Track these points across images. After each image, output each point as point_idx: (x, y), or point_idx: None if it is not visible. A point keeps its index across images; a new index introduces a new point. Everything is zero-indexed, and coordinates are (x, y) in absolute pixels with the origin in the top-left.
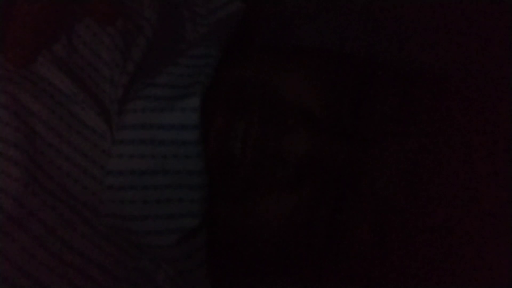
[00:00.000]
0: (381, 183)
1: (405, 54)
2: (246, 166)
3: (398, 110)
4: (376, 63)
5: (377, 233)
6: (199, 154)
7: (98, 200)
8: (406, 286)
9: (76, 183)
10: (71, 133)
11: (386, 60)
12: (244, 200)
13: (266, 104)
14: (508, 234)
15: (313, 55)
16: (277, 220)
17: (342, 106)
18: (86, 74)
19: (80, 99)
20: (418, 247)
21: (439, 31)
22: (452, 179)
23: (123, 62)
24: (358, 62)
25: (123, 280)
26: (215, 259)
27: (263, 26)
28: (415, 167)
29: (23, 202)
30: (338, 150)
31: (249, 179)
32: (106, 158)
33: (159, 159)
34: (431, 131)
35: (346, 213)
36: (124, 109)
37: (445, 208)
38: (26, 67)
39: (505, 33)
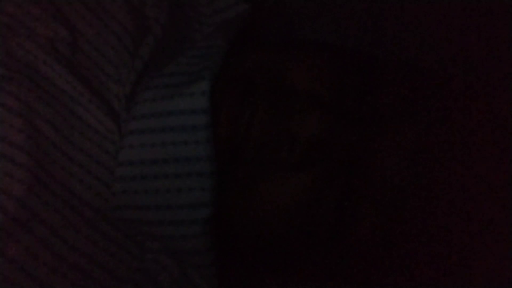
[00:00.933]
0: (387, 167)
1: (406, 54)
2: (251, 148)
3: (405, 95)
4: (381, 55)
5: (381, 231)
6: (208, 139)
7: (103, 200)
8: (407, 286)
9: (80, 184)
10: (74, 134)
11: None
12: (250, 184)
13: (272, 88)
14: (509, 234)
15: (319, 45)
16: (284, 202)
17: (350, 90)
18: (92, 73)
19: (87, 99)
20: (419, 246)
21: (439, 31)
22: (451, 179)
23: (131, 60)
24: (363, 54)
25: (126, 281)
26: (222, 254)
27: (264, 27)
28: (422, 152)
29: (27, 204)
30: (346, 132)
31: (255, 161)
32: (109, 159)
33: (169, 146)
34: (437, 118)
35: (353, 197)
36: (133, 102)
37: (444, 207)
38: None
39: (505, 33)
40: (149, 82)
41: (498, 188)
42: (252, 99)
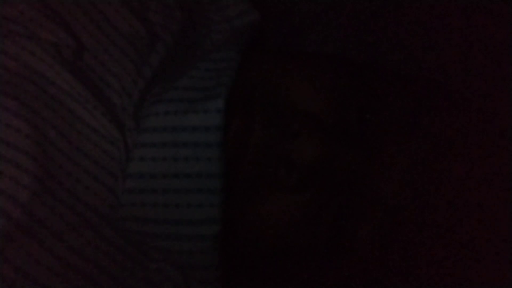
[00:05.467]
0: (385, 189)
1: (407, 57)
2: (247, 168)
3: (402, 114)
4: (381, 68)
5: (379, 237)
6: (220, 157)
7: (108, 207)
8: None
9: (86, 190)
10: (81, 139)
11: (388, 63)
12: (247, 203)
13: (271, 107)
14: (508, 235)
15: (320, 61)
16: (280, 222)
17: (348, 112)
18: (95, 82)
19: (92, 105)
20: (420, 251)
21: (440, 34)
22: (454, 183)
23: (136, 70)
24: (363, 68)
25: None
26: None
27: (269, 29)
28: (419, 174)
29: (31, 210)
30: (343, 155)
31: (250, 181)
32: (115, 165)
33: (181, 161)
34: (435, 134)
35: (349, 217)
36: (146, 113)
37: (448, 211)
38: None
39: (505, 34)
40: (162, 95)
41: (499, 203)
42: (250, 116)
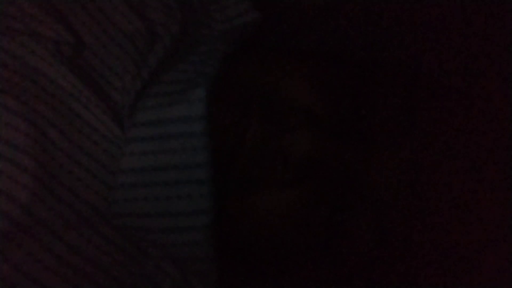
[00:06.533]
0: (382, 183)
1: (406, 55)
2: (243, 162)
3: (399, 111)
4: (377, 64)
5: (378, 233)
6: (206, 146)
7: (108, 206)
8: (406, 286)
9: (86, 189)
10: (81, 138)
11: (386, 61)
12: (243, 196)
13: (267, 102)
14: (508, 234)
15: (316, 57)
16: (276, 217)
17: (344, 107)
18: (97, 80)
19: (93, 104)
20: (418, 247)
21: (439, 32)
22: (452, 180)
23: (136, 68)
24: (360, 63)
25: (128, 286)
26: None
27: (269, 28)
28: (415, 168)
29: (31, 210)
30: (339, 150)
31: (247, 175)
32: (115, 164)
33: (168, 153)
34: (432, 132)
35: (346, 212)
36: (135, 109)
37: (445, 208)
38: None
39: (505, 33)
40: (150, 90)
41: (497, 202)
42: (247, 111)
